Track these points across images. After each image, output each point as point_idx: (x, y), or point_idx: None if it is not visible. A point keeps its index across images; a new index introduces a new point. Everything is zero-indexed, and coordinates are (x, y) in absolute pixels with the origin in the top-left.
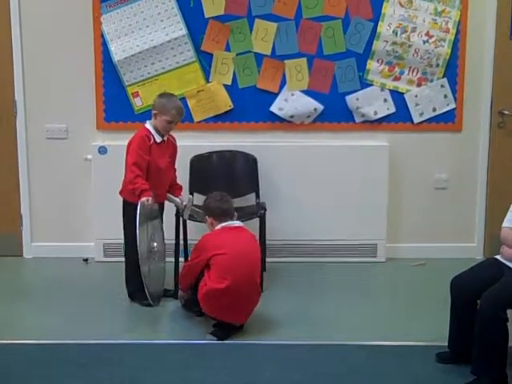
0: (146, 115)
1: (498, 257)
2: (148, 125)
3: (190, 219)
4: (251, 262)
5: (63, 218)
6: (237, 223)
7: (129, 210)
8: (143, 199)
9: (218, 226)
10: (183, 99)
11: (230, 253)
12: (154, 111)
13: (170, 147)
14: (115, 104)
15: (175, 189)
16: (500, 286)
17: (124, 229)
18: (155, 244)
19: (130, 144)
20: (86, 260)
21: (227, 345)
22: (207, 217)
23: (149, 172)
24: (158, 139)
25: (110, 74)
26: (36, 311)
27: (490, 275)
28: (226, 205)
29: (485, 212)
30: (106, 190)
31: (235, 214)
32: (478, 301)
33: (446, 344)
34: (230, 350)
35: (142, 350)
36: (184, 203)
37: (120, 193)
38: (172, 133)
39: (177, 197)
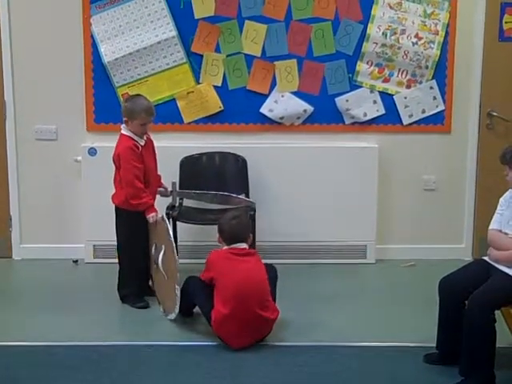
0: None
1: (485, 258)
2: (125, 131)
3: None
4: (252, 293)
5: (53, 219)
6: (243, 245)
7: (122, 215)
8: (150, 216)
9: (225, 247)
10: (173, 100)
11: (232, 281)
12: (125, 118)
13: (150, 144)
14: (105, 105)
15: (158, 179)
16: (488, 287)
17: (117, 234)
18: (160, 256)
19: (118, 156)
20: (75, 261)
21: (217, 346)
22: (218, 234)
23: (145, 177)
24: (142, 142)
25: (99, 76)
26: (25, 313)
27: (478, 276)
28: (237, 228)
29: (473, 213)
30: (96, 192)
31: (249, 235)
32: (466, 301)
33: (434, 345)
34: (219, 351)
35: (132, 351)
36: (169, 190)
37: (112, 199)
38: (162, 134)
39: (160, 187)
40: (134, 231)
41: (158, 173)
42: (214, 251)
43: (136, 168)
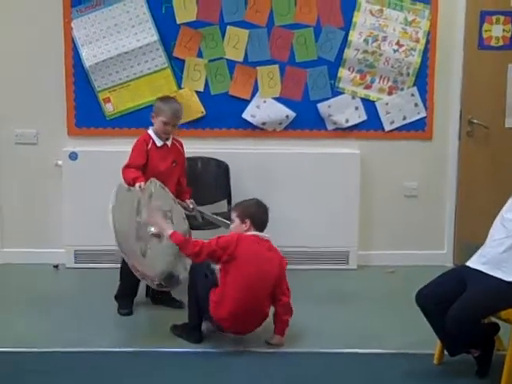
0: (117, 121)
1: (468, 263)
2: (150, 130)
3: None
4: (265, 285)
5: (33, 224)
6: (267, 236)
7: None
8: (137, 184)
9: (251, 232)
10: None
11: (252, 271)
12: (152, 114)
13: (174, 152)
14: (86, 110)
15: (183, 192)
16: (468, 296)
17: None
18: (152, 229)
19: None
20: (56, 266)
21: (196, 353)
22: (246, 219)
23: (148, 174)
24: (159, 143)
25: (80, 80)
26: (4, 318)
27: (455, 283)
28: (266, 216)
29: (454, 219)
30: (77, 196)
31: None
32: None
33: (418, 351)
34: (199, 357)
35: (110, 357)
36: (191, 206)
37: None
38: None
39: (184, 201)
40: None
41: (187, 187)
42: (240, 233)
43: (132, 157)
